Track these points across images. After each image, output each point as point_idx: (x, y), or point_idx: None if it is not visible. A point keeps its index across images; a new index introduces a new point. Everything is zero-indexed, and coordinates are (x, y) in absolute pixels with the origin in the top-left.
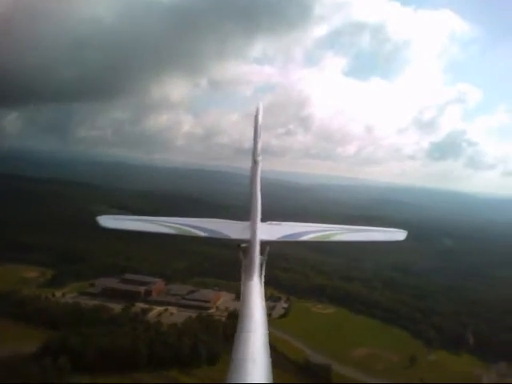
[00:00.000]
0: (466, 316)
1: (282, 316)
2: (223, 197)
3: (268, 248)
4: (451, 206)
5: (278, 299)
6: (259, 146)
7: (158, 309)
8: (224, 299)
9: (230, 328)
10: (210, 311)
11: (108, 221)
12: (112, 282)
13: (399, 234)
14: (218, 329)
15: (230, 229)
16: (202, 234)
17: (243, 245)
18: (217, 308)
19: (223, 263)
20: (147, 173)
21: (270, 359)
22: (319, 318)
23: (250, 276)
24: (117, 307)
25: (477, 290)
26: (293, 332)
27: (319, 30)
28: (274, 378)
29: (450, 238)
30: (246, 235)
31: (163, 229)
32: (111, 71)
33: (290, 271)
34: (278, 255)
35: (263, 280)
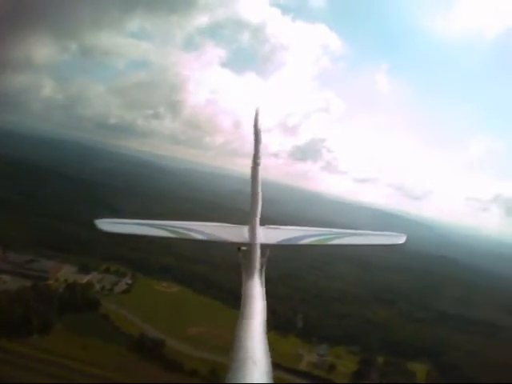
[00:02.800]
0: (298, 302)
1: (125, 292)
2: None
3: (268, 251)
4: (305, 203)
5: (123, 275)
6: (260, 149)
7: None
8: (65, 271)
9: (66, 299)
10: (48, 282)
11: (107, 225)
12: None
13: (398, 238)
14: (52, 299)
15: (230, 232)
16: (201, 237)
17: (243, 248)
18: (56, 279)
19: (70, 237)
20: None
21: (270, 359)
22: (161, 296)
23: (250, 278)
24: None
25: (310, 280)
26: (132, 307)
27: (202, 19)
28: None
29: None
30: (245, 239)
31: (163, 232)
32: None
33: (139, 250)
34: (126, 235)
35: (263, 281)
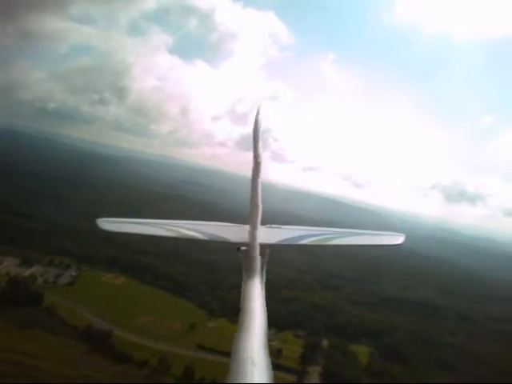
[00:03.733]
0: None
1: (69, 284)
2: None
3: (268, 251)
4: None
5: (68, 267)
6: (260, 147)
7: None
8: (7, 264)
9: (9, 293)
10: None
11: (108, 224)
12: None
13: (398, 238)
14: None
15: (230, 232)
16: (202, 237)
17: (243, 248)
18: None
19: (11, 229)
20: None
21: (270, 359)
22: (108, 288)
23: (250, 278)
24: None
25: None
26: (78, 300)
27: (148, 4)
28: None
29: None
30: (245, 238)
31: (163, 232)
32: None
33: (82, 242)
34: (69, 226)
35: (264, 281)
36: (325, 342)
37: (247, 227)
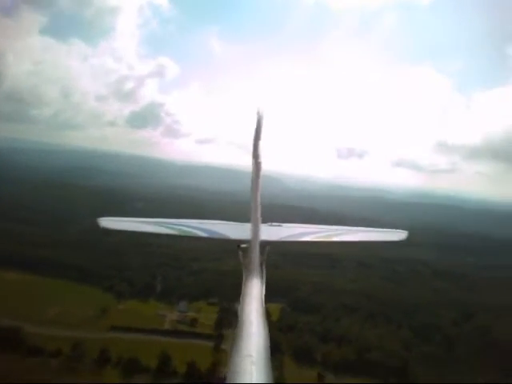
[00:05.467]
0: (154, 268)
1: None
2: None
3: (268, 248)
4: (148, 172)
5: None
6: (260, 147)
7: None
8: None
9: None
10: None
11: (109, 222)
12: None
13: (399, 235)
14: None
15: (231, 230)
16: (202, 234)
17: (243, 245)
18: None
19: None
20: None
21: (270, 359)
22: (7, 285)
23: (249, 275)
24: None
25: (166, 244)
26: None
27: None
28: (273, 378)
29: (141, 201)
30: (246, 236)
31: (164, 230)
32: None
33: None
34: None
35: (264, 280)
36: (237, 305)
37: (248, 225)
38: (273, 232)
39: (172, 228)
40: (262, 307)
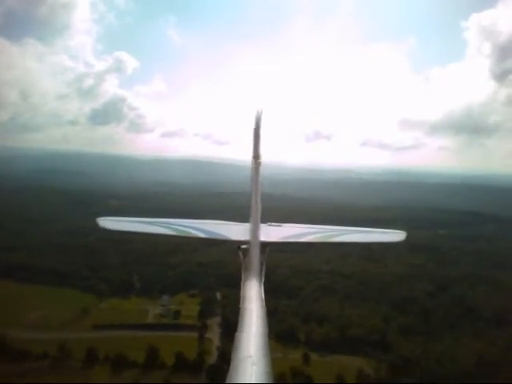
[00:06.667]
0: (132, 265)
1: None
2: None
3: (268, 249)
4: (114, 169)
5: None
6: (259, 147)
7: None
8: None
9: None
10: None
11: (108, 222)
12: None
13: (398, 235)
14: None
15: (231, 230)
16: (202, 235)
17: (243, 246)
18: None
19: None
20: None
21: (270, 359)
22: None
23: (249, 276)
24: None
25: (140, 240)
26: None
27: None
28: (273, 378)
29: (114, 199)
30: (246, 237)
31: (163, 230)
32: None
33: None
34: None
35: (263, 280)
36: (218, 295)
37: (247, 225)
38: (272, 232)
39: (171, 228)
40: (262, 307)
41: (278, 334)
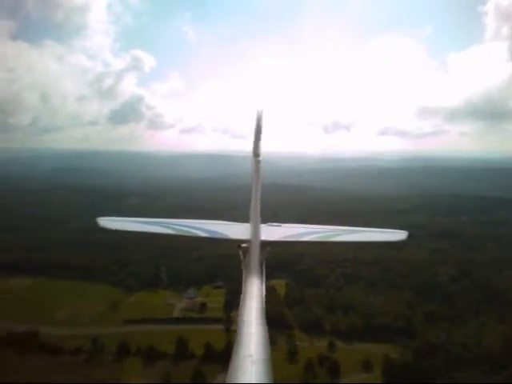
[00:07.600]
0: (159, 259)
1: None
2: None
3: (268, 248)
4: (135, 166)
5: None
6: (260, 147)
7: None
8: None
9: None
10: None
11: (109, 222)
12: None
13: (400, 235)
14: None
15: (231, 230)
16: (203, 234)
17: (243, 245)
18: None
19: None
20: None
21: (270, 358)
22: (16, 292)
23: (250, 275)
24: None
25: (161, 237)
26: None
27: None
28: (273, 378)
29: (134, 196)
30: (246, 236)
31: (164, 230)
32: None
33: None
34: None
35: (264, 278)
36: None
37: (248, 225)
38: (273, 232)
39: (172, 228)
40: (262, 307)
41: (303, 323)
